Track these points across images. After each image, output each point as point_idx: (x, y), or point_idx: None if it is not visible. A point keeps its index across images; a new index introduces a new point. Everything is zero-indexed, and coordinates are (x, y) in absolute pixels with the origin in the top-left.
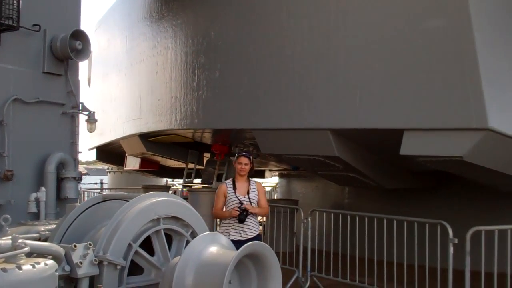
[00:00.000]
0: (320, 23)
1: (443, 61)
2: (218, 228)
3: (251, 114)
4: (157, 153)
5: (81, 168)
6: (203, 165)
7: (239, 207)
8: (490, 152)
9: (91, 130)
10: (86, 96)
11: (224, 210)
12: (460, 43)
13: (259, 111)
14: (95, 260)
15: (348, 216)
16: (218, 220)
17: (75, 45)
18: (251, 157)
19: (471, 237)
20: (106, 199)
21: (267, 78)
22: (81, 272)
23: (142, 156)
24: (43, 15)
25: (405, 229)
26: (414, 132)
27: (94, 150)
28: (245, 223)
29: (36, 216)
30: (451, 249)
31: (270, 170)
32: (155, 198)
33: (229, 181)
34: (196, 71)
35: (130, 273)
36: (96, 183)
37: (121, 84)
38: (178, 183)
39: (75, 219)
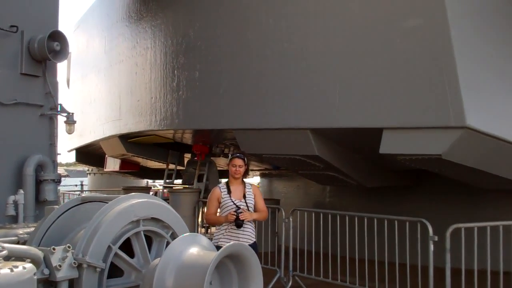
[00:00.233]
0: (299, 24)
1: (421, 61)
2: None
3: (231, 114)
4: (138, 154)
5: (61, 170)
6: (183, 166)
7: (235, 211)
8: (468, 150)
9: (70, 131)
10: (65, 97)
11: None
12: (438, 42)
13: (239, 111)
14: (74, 263)
15: (329, 215)
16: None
17: (53, 46)
18: (245, 159)
19: (451, 235)
20: (85, 201)
21: (247, 78)
22: (60, 275)
23: (122, 157)
24: (20, 16)
25: (386, 228)
26: (393, 131)
27: (74, 152)
28: (242, 229)
29: (14, 219)
30: (432, 247)
31: (251, 170)
32: (135, 199)
33: (223, 185)
34: (175, 72)
35: (110, 276)
36: (76, 185)
37: (100, 85)
38: (159, 184)
39: (53, 221)
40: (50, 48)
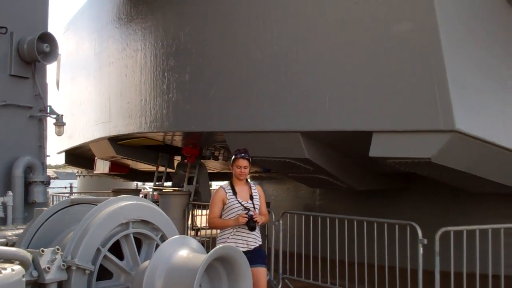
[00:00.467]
0: (289, 27)
1: (411, 64)
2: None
3: (221, 116)
4: (127, 157)
5: (50, 172)
6: (173, 168)
7: (246, 213)
8: (457, 154)
9: (59, 133)
10: (55, 99)
11: (226, 217)
12: (427, 46)
13: (229, 114)
14: (63, 265)
15: (319, 218)
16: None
17: (42, 48)
18: (250, 159)
19: (440, 238)
20: (74, 203)
21: (237, 81)
22: (49, 277)
23: (112, 160)
24: (10, 18)
25: (375, 231)
26: (383, 134)
27: (63, 154)
28: (248, 232)
29: (3, 221)
30: (421, 250)
31: None
32: (124, 201)
33: (227, 185)
34: (165, 74)
35: (99, 278)
36: (65, 187)
37: (90, 87)
38: (148, 186)
39: (42, 223)
40: (39, 50)
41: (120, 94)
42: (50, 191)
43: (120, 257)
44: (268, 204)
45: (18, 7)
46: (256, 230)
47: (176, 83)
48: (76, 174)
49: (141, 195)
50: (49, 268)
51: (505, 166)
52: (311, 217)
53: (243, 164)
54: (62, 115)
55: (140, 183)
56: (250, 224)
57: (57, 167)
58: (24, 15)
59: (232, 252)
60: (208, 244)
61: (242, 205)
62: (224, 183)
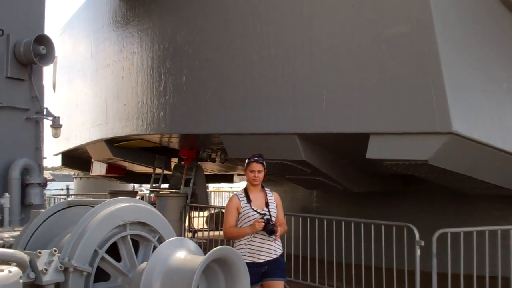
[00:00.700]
0: (286, 29)
1: (408, 67)
2: (193, 239)
3: (218, 118)
4: (124, 159)
5: (46, 174)
6: (170, 170)
7: (262, 217)
8: (454, 155)
9: (56, 135)
10: (51, 101)
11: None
12: (424, 48)
13: (226, 116)
14: (60, 267)
15: (316, 220)
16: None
17: (39, 50)
18: (264, 162)
19: (437, 239)
20: (71, 205)
21: (234, 83)
22: (46, 279)
23: (109, 162)
24: (6, 20)
25: (373, 232)
26: (380, 136)
27: (60, 156)
28: (264, 241)
29: (0, 223)
30: (418, 251)
31: (239, 175)
32: (121, 203)
33: (241, 193)
34: (162, 76)
35: (96, 280)
36: (62, 189)
37: (86, 89)
38: (145, 188)
39: (39, 225)
40: (36, 52)
41: (116, 96)
42: (47, 193)
43: (118, 259)
44: None
45: (15, 9)
46: (274, 239)
47: (173, 85)
48: (73, 176)
49: (138, 197)
50: (46, 269)
51: (502, 168)
52: (308, 219)
53: (256, 168)
54: (58, 117)
55: (137, 185)
56: (268, 228)
57: (53, 169)
58: (20, 17)
59: (230, 253)
60: (205, 246)
61: (258, 212)
62: (240, 190)
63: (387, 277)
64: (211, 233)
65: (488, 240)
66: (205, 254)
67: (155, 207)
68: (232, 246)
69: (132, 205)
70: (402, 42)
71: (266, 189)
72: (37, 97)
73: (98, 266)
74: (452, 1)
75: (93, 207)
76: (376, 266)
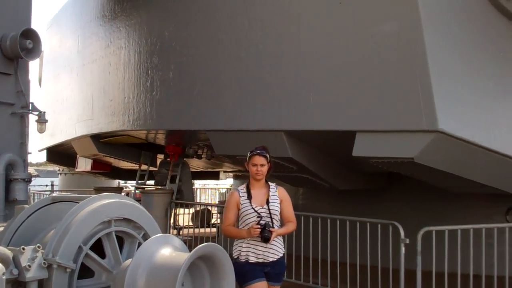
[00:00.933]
0: (274, 26)
1: (395, 64)
2: (179, 236)
3: (205, 115)
4: (109, 155)
5: (31, 170)
6: (156, 167)
7: (258, 222)
8: (440, 154)
9: (41, 130)
10: (37, 96)
11: (239, 226)
12: (411, 47)
13: (213, 112)
14: (44, 263)
15: (302, 217)
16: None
17: (25, 44)
18: (268, 155)
19: (422, 237)
20: (55, 200)
21: (221, 79)
22: (30, 275)
23: (94, 158)
24: None
25: (358, 230)
26: (366, 134)
27: (45, 151)
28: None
29: None
30: (403, 249)
31: (225, 172)
32: (106, 199)
33: (242, 188)
34: (149, 72)
35: (80, 276)
36: (46, 185)
37: (72, 84)
38: (131, 185)
39: (23, 221)
40: (22, 46)
41: (103, 92)
42: (31, 189)
43: (102, 255)
44: None
45: (1, 3)
46: (278, 240)
47: (160, 81)
48: (58, 172)
49: (123, 194)
50: (29, 266)
51: (487, 167)
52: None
53: (259, 162)
54: (44, 112)
55: (122, 182)
56: (264, 235)
57: (38, 164)
58: (7, 11)
59: (215, 250)
60: (190, 243)
61: (255, 211)
62: (242, 185)
63: (372, 275)
64: (197, 230)
65: (472, 239)
66: (190, 251)
67: (140, 203)
68: (233, 244)
69: (117, 201)
70: (390, 40)
71: (270, 184)
72: (22, 91)
73: (82, 263)
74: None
75: (78, 203)
76: (361, 263)
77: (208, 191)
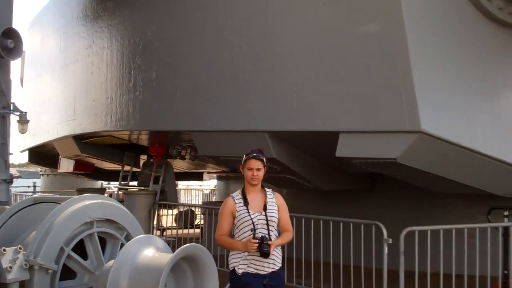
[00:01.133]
0: (258, 27)
1: (378, 65)
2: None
3: (188, 115)
4: (92, 155)
5: (13, 171)
6: (139, 168)
7: (254, 236)
8: (422, 154)
9: (23, 131)
10: (18, 96)
11: (234, 235)
12: (394, 47)
13: (196, 113)
14: (25, 264)
15: None
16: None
17: (6, 44)
18: (264, 159)
19: (405, 237)
20: (37, 201)
21: (205, 80)
22: (11, 277)
23: (77, 158)
24: None
25: (341, 230)
26: (349, 135)
27: (27, 152)
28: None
29: None
30: (386, 249)
31: (209, 173)
32: (88, 200)
33: (237, 194)
34: (132, 72)
35: (62, 278)
36: (28, 186)
37: (55, 85)
38: (114, 185)
39: (4, 222)
40: (3, 46)
41: (85, 92)
42: (13, 190)
43: (84, 256)
44: None
45: None
46: (276, 251)
47: (143, 81)
48: (40, 173)
49: (106, 195)
50: (11, 267)
51: (470, 167)
52: None
53: (255, 166)
54: (26, 113)
55: (105, 183)
56: (263, 250)
57: (20, 165)
58: None
59: (198, 251)
60: (174, 244)
61: (252, 219)
62: (236, 191)
63: (355, 275)
64: (180, 231)
65: (454, 239)
66: (174, 252)
67: (123, 204)
68: (228, 255)
69: (99, 202)
70: (373, 41)
71: (266, 189)
72: (3, 91)
73: (64, 264)
74: (423, 1)
75: (60, 204)
76: (345, 264)
77: (191, 192)
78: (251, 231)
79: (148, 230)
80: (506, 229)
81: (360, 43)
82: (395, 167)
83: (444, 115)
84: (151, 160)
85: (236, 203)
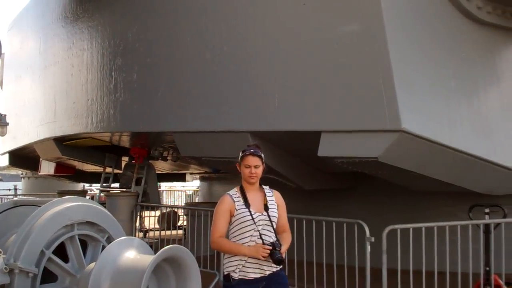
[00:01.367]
0: (239, 27)
1: (358, 65)
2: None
3: (170, 116)
4: (73, 157)
5: None
6: (121, 169)
7: (263, 242)
8: (404, 153)
9: (2, 134)
10: None
11: (230, 235)
12: (374, 47)
13: (178, 114)
14: (5, 268)
15: None
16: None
17: None
18: (262, 155)
19: (387, 236)
20: (17, 204)
21: (186, 80)
22: None
23: (58, 161)
24: None
25: (324, 229)
26: (331, 134)
27: (7, 155)
28: None
29: None
30: (368, 248)
31: (191, 174)
32: (69, 203)
33: (234, 192)
34: (113, 73)
35: (43, 281)
36: (9, 189)
37: (34, 87)
38: (95, 188)
39: None
40: None
41: (65, 94)
42: None
43: (65, 259)
44: None
45: None
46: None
47: (124, 83)
48: (21, 176)
49: (88, 197)
50: None
51: (451, 165)
52: None
53: (253, 163)
54: (5, 115)
55: (87, 185)
56: (276, 257)
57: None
58: None
59: (180, 252)
60: (156, 245)
61: (253, 219)
62: (233, 189)
63: (338, 274)
64: (163, 232)
65: (436, 236)
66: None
67: (105, 207)
68: (223, 259)
69: (80, 205)
70: (353, 40)
71: (265, 187)
72: None
73: (45, 267)
74: (402, 1)
75: (40, 206)
76: (328, 263)
77: (174, 193)
78: (256, 226)
79: (131, 232)
80: (487, 226)
81: (341, 43)
82: (377, 166)
83: (424, 114)
84: (133, 161)
85: (235, 201)
